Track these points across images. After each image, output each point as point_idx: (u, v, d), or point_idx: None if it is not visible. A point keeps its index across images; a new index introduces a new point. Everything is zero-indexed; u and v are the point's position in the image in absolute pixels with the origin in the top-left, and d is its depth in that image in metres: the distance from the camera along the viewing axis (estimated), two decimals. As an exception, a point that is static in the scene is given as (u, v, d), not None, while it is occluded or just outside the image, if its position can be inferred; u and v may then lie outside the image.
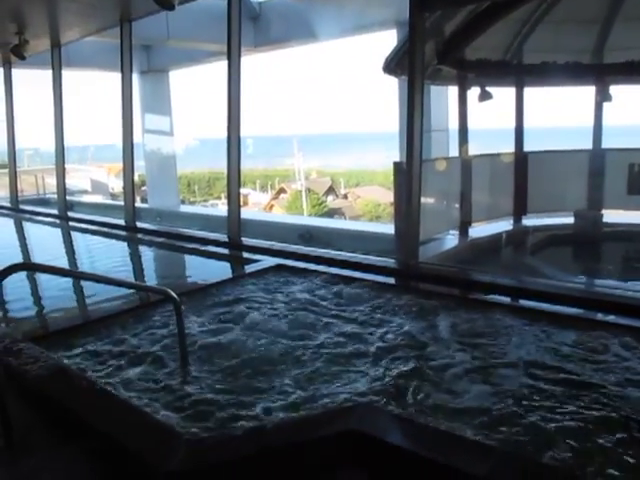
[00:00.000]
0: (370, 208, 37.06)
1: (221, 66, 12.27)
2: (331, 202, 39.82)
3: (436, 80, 8.03)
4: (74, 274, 4.37)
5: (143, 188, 23.44)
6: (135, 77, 13.18)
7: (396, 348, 3.68)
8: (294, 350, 3.68)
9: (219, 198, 44.48)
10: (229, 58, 7.50)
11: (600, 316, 4.12)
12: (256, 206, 41.74)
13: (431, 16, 6.10)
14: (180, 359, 3.57)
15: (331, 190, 43.00)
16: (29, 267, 4.41)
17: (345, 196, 42.80)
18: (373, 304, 4.61)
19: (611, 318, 4.02)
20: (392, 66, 6.99)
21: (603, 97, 9.16)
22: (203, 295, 4.95)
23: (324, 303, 4.68)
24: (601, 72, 8.90)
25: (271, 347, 3.72)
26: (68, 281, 5.79)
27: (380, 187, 43.11)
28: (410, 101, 5.62)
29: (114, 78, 10.60)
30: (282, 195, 41.47)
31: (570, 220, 8.58)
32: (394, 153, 10.82)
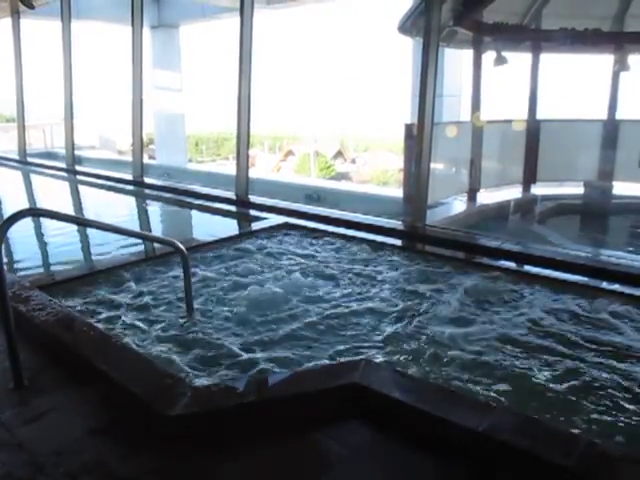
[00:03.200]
0: (378, 174, 36.83)
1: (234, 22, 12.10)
2: (339, 166, 39.55)
3: (451, 43, 7.87)
4: (82, 221, 4.38)
5: (151, 147, 23.33)
6: (146, 32, 12.98)
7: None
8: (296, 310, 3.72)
9: (227, 159, 44.25)
10: (241, 14, 7.38)
11: (604, 284, 4.13)
12: (264, 168, 41.48)
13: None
14: (186, 307, 3.63)
15: (339, 154, 42.64)
16: (37, 213, 4.43)
17: (353, 160, 42.47)
18: (376, 263, 4.64)
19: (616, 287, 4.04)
20: (407, 26, 6.86)
21: (621, 66, 8.97)
22: (210, 250, 4.99)
23: (327, 260, 4.71)
24: (621, 40, 8.70)
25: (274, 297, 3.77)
26: (74, 230, 5.83)
27: (389, 152, 42.72)
28: (424, 63, 5.54)
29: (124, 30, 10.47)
30: (290, 157, 41.18)
31: (580, 190, 8.51)
32: (405, 118, 10.72)
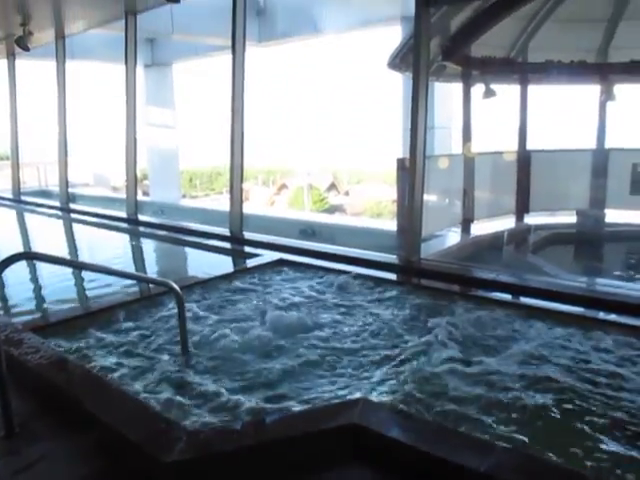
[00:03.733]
0: (372, 205, 36.97)
1: (226, 59, 12.32)
2: (333, 198, 39.71)
3: (440, 77, 8.01)
4: (75, 264, 4.36)
5: (145, 182, 23.44)
6: (139, 70, 13.16)
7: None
8: (292, 346, 3.68)
9: (220, 193, 44.42)
10: (233, 52, 7.49)
11: (601, 315, 4.12)
12: (258, 201, 41.62)
13: (436, 12, 6.07)
14: (181, 348, 3.58)
15: (333, 187, 42.86)
16: (31, 256, 4.42)
17: (347, 193, 42.67)
18: (372, 299, 4.62)
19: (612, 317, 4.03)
20: (397, 62, 6.97)
21: (607, 96, 9.13)
22: (204, 288, 4.96)
23: (323, 297, 4.69)
24: (606, 71, 8.87)
25: (267, 340, 3.73)
26: (69, 272, 5.80)
27: (382, 184, 43.00)
28: (414, 97, 5.61)
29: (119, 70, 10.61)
30: (284, 191, 41.36)
31: (573, 218, 8.56)
32: (397, 149, 10.84)
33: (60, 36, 10.83)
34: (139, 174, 13.23)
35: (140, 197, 11.75)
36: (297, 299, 4.66)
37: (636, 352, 3.49)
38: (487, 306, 4.34)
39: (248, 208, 8.30)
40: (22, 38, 9.78)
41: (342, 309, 4.41)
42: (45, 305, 5.21)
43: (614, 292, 4.61)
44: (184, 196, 32.26)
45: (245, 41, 7.54)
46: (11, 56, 12.91)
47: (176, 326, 3.68)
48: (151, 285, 4.64)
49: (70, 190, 11.78)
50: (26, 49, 9.94)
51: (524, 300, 4.56)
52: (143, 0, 8.54)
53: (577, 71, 8.64)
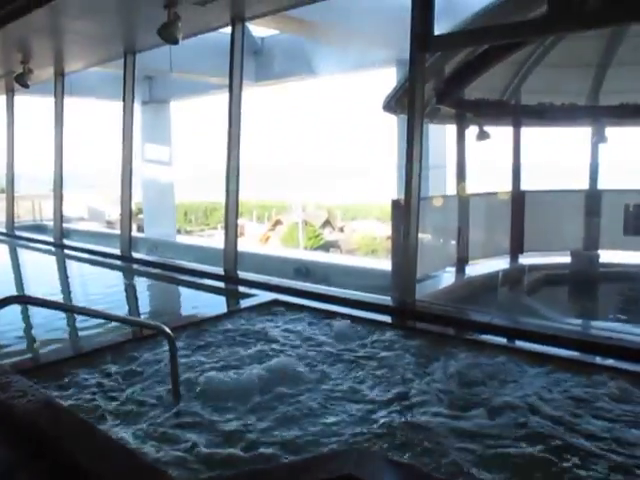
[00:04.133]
0: (366, 241, 37.04)
1: (222, 98, 12.47)
2: (328, 235, 39.81)
3: (435, 119, 8.13)
4: (68, 308, 4.32)
5: (140, 216, 23.49)
6: (136, 106, 13.31)
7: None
8: (287, 392, 3.62)
9: (215, 228, 44.49)
10: (230, 91, 7.59)
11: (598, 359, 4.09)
12: (252, 237, 41.71)
13: (431, 57, 6.19)
14: (173, 393, 3.52)
15: (327, 223, 43.00)
16: (23, 300, 4.36)
17: (341, 229, 42.81)
18: (366, 343, 4.57)
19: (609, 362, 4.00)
20: (392, 105, 7.07)
21: (599, 138, 9.28)
22: (197, 330, 4.90)
23: (317, 341, 4.64)
24: (596, 114, 9.04)
25: (261, 385, 3.66)
26: (60, 312, 5.73)
27: (376, 221, 43.20)
28: (409, 140, 5.66)
29: (115, 104, 10.72)
30: (279, 227, 41.45)
31: (567, 259, 8.60)
32: (391, 187, 10.92)
33: (59, 73, 10.97)
34: (134, 207, 13.25)
35: (134, 233, 11.74)
36: (290, 342, 4.60)
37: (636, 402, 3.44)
38: (483, 350, 4.29)
39: (243, 245, 8.29)
40: (22, 75, 9.88)
41: (336, 354, 4.35)
42: (35, 346, 5.14)
43: (610, 336, 4.59)
44: (179, 231, 32.32)
45: (242, 80, 7.65)
46: (10, 92, 13.04)
47: (168, 370, 3.61)
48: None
49: (64, 225, 11.77)
50: (25, 86, 10.04)
51: (520, 344, 4.53)
52: (142, 40, 8.67)
53: (569, 114, 8.80)
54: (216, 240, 16.34)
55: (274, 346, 4.50)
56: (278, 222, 42.44)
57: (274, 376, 3.78)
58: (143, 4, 7.03)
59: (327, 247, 37.54)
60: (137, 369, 4.03)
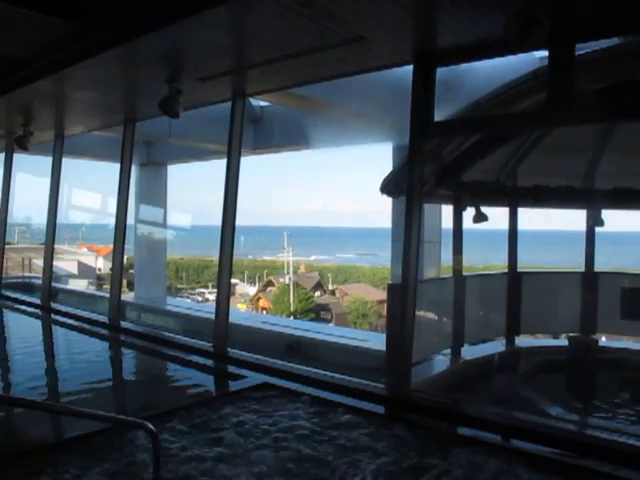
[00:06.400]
0: (357, 306, 36.84)
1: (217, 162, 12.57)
2: (318, 297, 39.60)
3: (432, 199, 8.15)
4: (48, 408, 4.12)
5: (130, 271, 23.33)
6: (133, 168, 13.31)
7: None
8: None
9: (206, 287, 44.23)
10: (229, 158, 7.62)
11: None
12: (243, 297, 41.44)
13: (430, 142, 6.23)
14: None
15: (319, 286, 42.89)
16: (5, 401, 4.19)
17: (333, 292, 42.66)
18: (358, 437, 4.36)
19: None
20: (390, 188, 7.08)
21: (595, 221, 9.31)
22: (183, 418, 4.67)
23: (306, 433, 4.42)
24: (592, 197, 9.10)
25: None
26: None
27: (367, 285, 43.13)
28: (407, 224, 5.61)
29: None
30: (270, 288, 41.26)
31: (564, 342, 8.47)
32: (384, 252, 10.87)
33: (59, 136, 11.02)
34: (125, 262, 13.04)
35: (124, 294, 11.52)
36: (279, 434, 4.38)
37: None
38: (481, 450, 4.11)
39: (233, 314, 8.06)
40: (22, 137, 9.89)
41: (327, 449, 4.13)
42: (14, 431, 4.88)
43: (608, 438, 4.42)
44: (169, 288, 32.00)
45: (241, 148, 7.69)
46: (9, 151, 13.06)
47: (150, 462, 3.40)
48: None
49: (54, 284, 11.55)
50: (25, 149, 10.04)
51: (516, 443, 4.35)
52: (143, 110, 8.75)
53: (565, 196, 8.85)
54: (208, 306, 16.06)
55: (262, 438, 4.28)
56: (269, 283, 42.32)
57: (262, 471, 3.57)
58: (145, 78, 7.10)
59: (318, 310, 37.28)
60: (119, 460, 3.79)
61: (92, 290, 17.16)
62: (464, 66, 6.31)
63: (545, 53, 4.82)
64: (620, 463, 3.91)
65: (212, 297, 36.77)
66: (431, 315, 7.15)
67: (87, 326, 8.77)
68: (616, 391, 7.33)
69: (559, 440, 4.33)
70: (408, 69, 5.70)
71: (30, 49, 6.09)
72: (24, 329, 9.49)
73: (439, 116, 5.77)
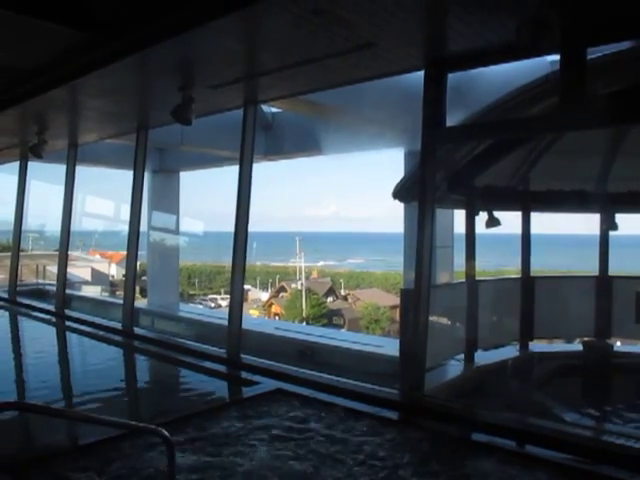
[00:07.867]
0: (370, 311, 36.76)
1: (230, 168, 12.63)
2: (331, 303, 39.58)
3: (444, 204, 8.13)
4: (65, 414, 4.16)
5: (143, 278, 23.44)
6: (146, 175, 13.39)
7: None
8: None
9: (218, 293, 44.38)
10: (241, 164, 7.67)
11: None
12: (255, 303, 41.47)
13: (442, 147, 6.21)
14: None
15: (331, 291, 42.86)
16: (21, 407, 4.23)
17: (345, 297, 42.62)
18: (373, 443, 4.35)
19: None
20: (402, 193, 7.08)
21: (609, 225, 9.22)
22: (196, 424, 4.69)
23: (320, 439, 4.42)
24: (605, 201, 9.01)
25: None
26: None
27: (380, 290, 43.04)
28: (420, 229, 5.61)
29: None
30: (282, 294, 41.32)
31: (578, 347, 8.38)
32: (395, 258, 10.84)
33: (73, 144, 11.14)
34: (138, 269, 13.11)
35: (137, 301, 11.58)
36: (292, 443, 4.38)
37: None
38: (495, 456, 4.09)
39: (247, 320, 8.08)
40: (36, 146, 10.00)
41: (341, 457, 4.13)
42: (26, 439, 4.92)
43: (624, 444, 4.38)
44: (181, 294, 32.09)
45: (253, 155, 7.73)
46: (24, 159, 13.23)
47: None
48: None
49: (67, 291, 11.63)
50: (39, 157, 10.15)
51: (530, 449, 4.33)
52: (156, 118, 8.83)
53: (578, 200, 8.77)
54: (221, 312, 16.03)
55: (275, 443, 4.28)
56: (281, 289, 42.39)
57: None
58: (158, 86, 7.17)
59: (330, 315, 37.25)
60: (133, 467, 3.81)
61: (105, 296, 17.18)
62: (475, 71, 6.29)
63: (557, 57, 4.81)
64: (637, 470, 3.88)
65: (224, 303, 36.87)
66: (444, 320, 7.10)
67: (101, 332, 8.84)
68: (632, 396, 7.24)
69: (574, 446, 4.30)
70: (420, 74, 5.71)
71: (44, 59, 6.17)
72: (39, 336, 9.57)
73: (450, 121, 5.78)
